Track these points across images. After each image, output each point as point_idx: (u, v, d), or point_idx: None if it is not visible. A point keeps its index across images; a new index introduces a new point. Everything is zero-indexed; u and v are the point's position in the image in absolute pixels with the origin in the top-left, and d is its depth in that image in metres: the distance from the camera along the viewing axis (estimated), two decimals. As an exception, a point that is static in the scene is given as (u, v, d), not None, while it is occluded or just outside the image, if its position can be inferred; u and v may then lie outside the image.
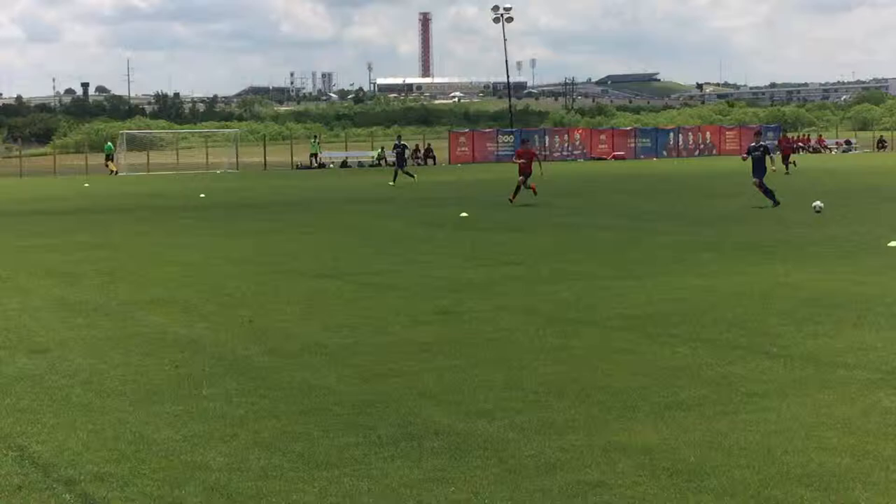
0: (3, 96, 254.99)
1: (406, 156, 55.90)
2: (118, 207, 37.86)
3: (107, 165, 79.99)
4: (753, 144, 32.43)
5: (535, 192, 35.45)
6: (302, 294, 15.37)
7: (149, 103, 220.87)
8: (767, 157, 31.79)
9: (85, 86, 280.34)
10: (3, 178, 72.44)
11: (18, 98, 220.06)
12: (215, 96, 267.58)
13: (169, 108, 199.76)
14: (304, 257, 20.40)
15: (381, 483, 6.83)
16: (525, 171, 35.27)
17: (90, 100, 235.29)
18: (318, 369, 10.26)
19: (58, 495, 6.72)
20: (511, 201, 34.53)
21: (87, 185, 58.54)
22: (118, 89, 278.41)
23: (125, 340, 11.92)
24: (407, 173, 52.39)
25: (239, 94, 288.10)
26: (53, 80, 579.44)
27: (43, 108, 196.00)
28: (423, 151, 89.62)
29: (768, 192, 30.96)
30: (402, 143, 56.68)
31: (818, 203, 29.04)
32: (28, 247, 23.37)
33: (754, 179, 31.62)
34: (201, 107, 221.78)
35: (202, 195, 43.94)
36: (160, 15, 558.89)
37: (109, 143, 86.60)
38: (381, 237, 24.58)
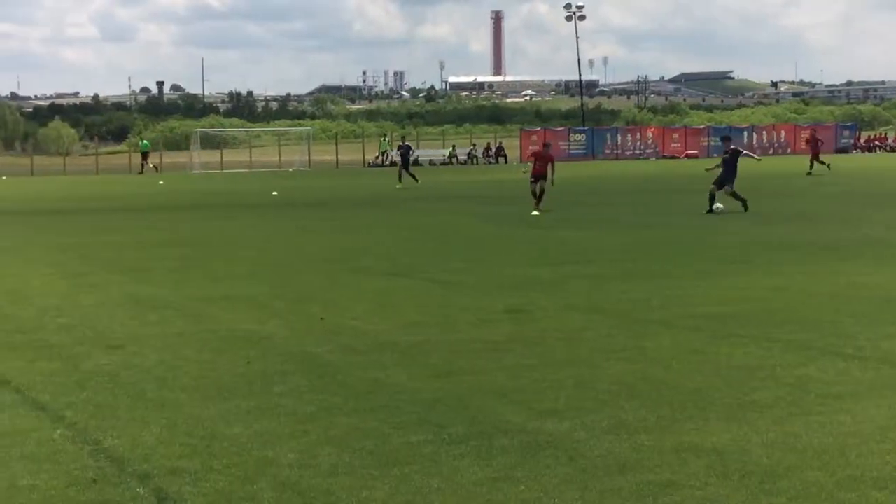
0: (81, 95, 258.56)
1: (410, 157, 54.47)
2: (191, 205, 38.23)
3: (142, 165, 78.89)
4: (726, 150, 31.38)
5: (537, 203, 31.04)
6: (372, 291, 15.42)
7: (222, 102, 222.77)
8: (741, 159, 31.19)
9: (160, 84, 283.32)
10: (80, 175, 73.51)
11: (95, 97, 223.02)
12: (288, 95, 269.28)
13: (242, 107, 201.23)
14: (375, 255, 20.46)
15: (451, 481, 6.84)
16: (538, 174, 31.74)
17: (165, 98, 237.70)
18: (389, 367, 10.29)
19: (132, 489, 6.80)
20: (538, 210, 30.47)
21: (161, 182, 59.20)
22: (193, 88, 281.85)
23: (198, 337, 12.04)
24: (412, 175, 50.58)
25: (311, 93, 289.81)
26: (129, 78, 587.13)
27: (119, 106, 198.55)
28: (494, 150, 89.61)
29: (739, 198, 29.79)
30: (407, 143, 56.21)
31: (719, 205, 29.13)
32: (103, 243, 23.66)
33: (726, 188, 30.15)
34: (274, 105, 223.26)
35: (274, 193, 44.24)
36: (234, 14, 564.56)
37: (146, 141, 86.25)
38: (451, 235, 24.59)
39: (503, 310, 13.53)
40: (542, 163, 32.10)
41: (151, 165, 79.20)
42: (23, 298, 15.20)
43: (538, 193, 31.28)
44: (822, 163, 52.74)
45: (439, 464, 7.20)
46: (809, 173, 51.23)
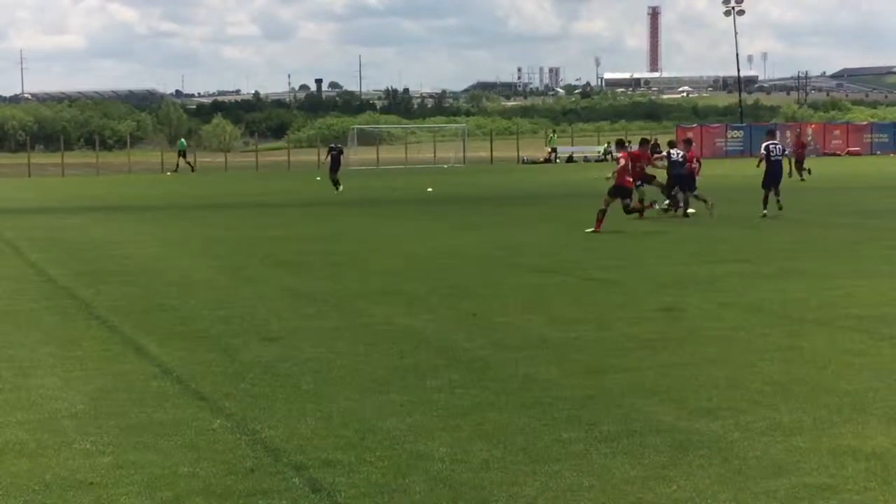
0: (242, 92, 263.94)
1: (341, 161, 48.76)
2: (347, 201, 38.72)
3: (178, 164, 76.61)
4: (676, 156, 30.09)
5: (641, 211, 27.29)
6: (526, 288, 15.43)
7: (379, 98, 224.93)
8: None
9: (318, 82, 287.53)
10: (240, 171, 75.05)
11: (256, 94, 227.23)
12: (444, 91, 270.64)
13: (398, 104, 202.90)
14: (528, 251, 20.46)
15: (602, 479, 6.82)
16: (641, 179, 28.25)
17: (323, 95, 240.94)
18: (541, 363, 10.29)
19: (287, 479, 6.93)
20: (644, 212, 27.37)
21: (318, 178, 60.11)
22: (350, 85, 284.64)
23: (352, 330, 12.20)
24: (334, 182, 45.73)
25: (467, 90, 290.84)
26: (289, 76, 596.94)
27: (279, 103, 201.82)
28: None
29: (678, 201, 29.32)
30: (339, 146, 51.12)
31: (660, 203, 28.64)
32: (263, 238, 24.13)
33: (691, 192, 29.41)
34: (430, 102, 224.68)
35: (429, 189, 44.56)
36: (390, 12, 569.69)
37: (183, 140, 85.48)
38: (604, 232, 24.42)
39: (657, 308, 13.41)
40: (642, 164, 28.55)
41: (187, 163, 76.91)
42: (186, 290, 15.60)
43: (640, 206, 27.23)
44: (804, 169, 48.69)
45: (590, 461, 7.18)
46: (802, 180, 47.32)
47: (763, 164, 28.36)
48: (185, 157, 78.42)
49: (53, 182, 63.96)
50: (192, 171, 75.09)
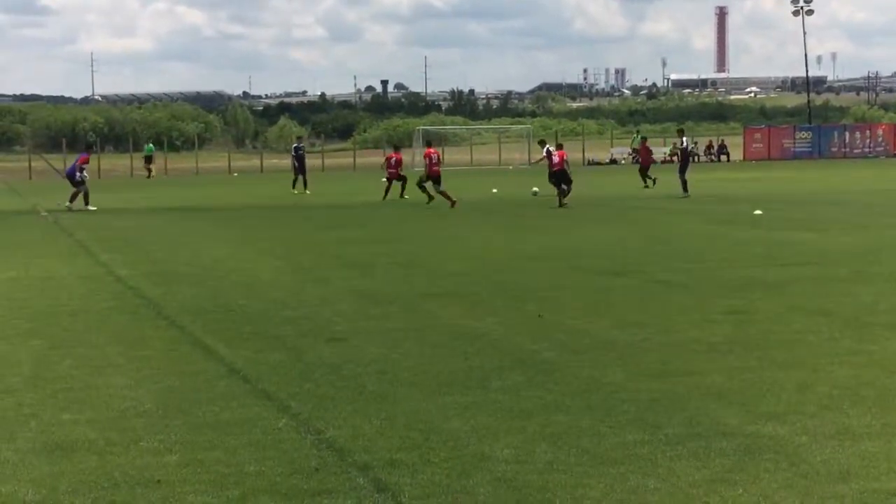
0: (308, 94, 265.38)
1: (305, 160, 49.39)
2: (412, 202, 38.79)
3: (148, 170, 73.74)
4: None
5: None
6: (591, 290, 15.38)
7: (444, 100, 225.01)
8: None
9: (384, 83, 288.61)
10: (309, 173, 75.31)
11: (322, 95, 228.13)
12: (509, 92, 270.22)
13: (464, 105, 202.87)
14: (593, 254, 20.39)
15: (668, 482, 6.79)
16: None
17: (389, 97, 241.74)
18: (606, 366, 10.25)
19: (352, 479, 6.97)
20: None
21: (383, 180, 60.28)
22: (415, 86, 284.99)
23: (417, 332, 12.23)
24: (298, 182, 47.38)
25: (532, 91, 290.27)
26: (355, 77, 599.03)
27: (345, 105, 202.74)
28: (716, 148, 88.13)
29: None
30: (302, 145, 51.95)
31: (535, 188, 32.58)
32: (327, 239, 24.25)
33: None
34: (495, 103, 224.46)
35: (494, 190, 44.53)
36: (455, 13, 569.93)
37: (150, 145, 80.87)
38: (671, 234, 24.32)
39: (723, 311, 13.31)
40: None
41: (153, 170, 74.37)
42: (253, 291, 15.72)
43: None
44: (648, 177, 46.60)
45: (655, 464, 7.14)
46: (646, 187, 45.47)
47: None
48: (150, 162, 75.02)
49: (121, 182, 64.68)
50: (148, 177, 71.36)
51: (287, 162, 62.31)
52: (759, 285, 15.52)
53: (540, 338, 11.72)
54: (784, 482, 6.73)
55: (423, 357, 10.80)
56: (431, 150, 38.32)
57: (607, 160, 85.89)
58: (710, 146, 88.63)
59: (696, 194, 37.72)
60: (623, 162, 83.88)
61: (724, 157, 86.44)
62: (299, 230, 27.08)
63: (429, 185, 36.31)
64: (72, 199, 36.12)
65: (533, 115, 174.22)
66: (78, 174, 36.50)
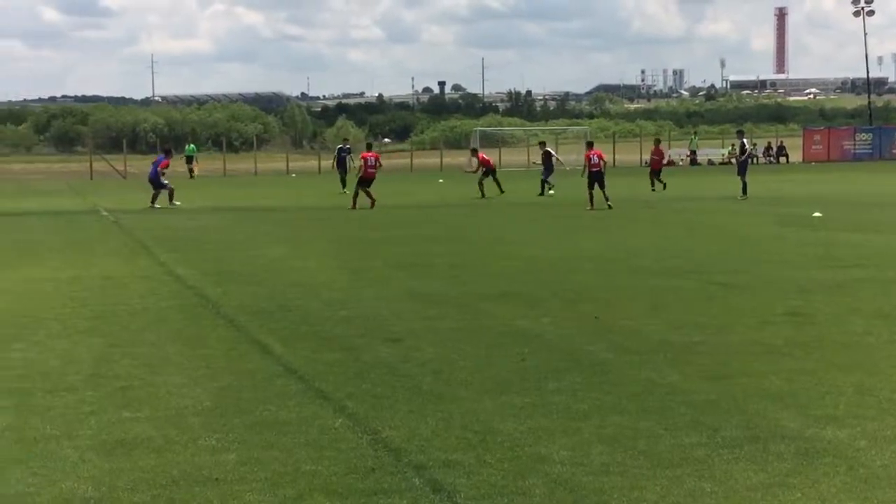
0: (366, 95, 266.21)
1: (348, 163, 49.14)
2: (468, 202, 38.82)
3: (188, 168, 71.52)
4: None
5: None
6: (647, 291, 15.31)
7: (501, 101, 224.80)
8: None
9: (441, 84, 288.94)
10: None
11: (380, 96, 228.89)
12: (566, 94, 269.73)
13: (521, 106, 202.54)
14: (650, 254, 20.29)
15: (725, 485, 6.74)
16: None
17: (446, 98, 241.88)
18: (663, 367, 10.21)
19: (408, 479, 6.98)
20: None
21: (441, 181, 60.40)
22: (473, 87, 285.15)
23: (474, 332, 12.23)
24: (343, 181, 47.78)
25: (589, 92, 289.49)
26: (412, 78, 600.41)
27: (402, 105, 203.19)
28: (775, 149, 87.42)
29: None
30: (347, 146, 52.02)
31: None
32: (383, 238, 24.30)
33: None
34: (552, 105, 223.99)
35: (551, 192, 44.44)
36: (513, 14, 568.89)
37: (191, 145, 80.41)
38: (730, 236, 24.16)
39: (782, 312, 13.21)
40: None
41: (195, 169, 72.09)
42: (310, 291, 15.79)
43: None
44: (659, 181, 45.79)
45: (712, 467, 7.10)
46: (653, 190, 44.81)
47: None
48: (191, 162, 72.93)
49: (179, 183, 65.17)
50: (191, 177, 68.82)
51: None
52: (819, 287, 15.38)
53: (596, 339, 11.69)
54: (843, 487, 6.67)
55: (478, 357, 10.80)
56: (370, 153, 38.93)
57: (665, 161, 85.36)
58: (769, 148, 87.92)
59: (754, 196, 37.44)
60: (681, 163, 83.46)
61: (783, 159, 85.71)
62: (355, 230, 27.16)
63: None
64: (153, 200, 36.83)
65: (590, 116, 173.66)
66: (162, 178, 37.65)
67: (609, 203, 33.10)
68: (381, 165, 38.64)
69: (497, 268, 18.46)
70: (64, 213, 36.24)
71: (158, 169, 37.74)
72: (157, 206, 36.62)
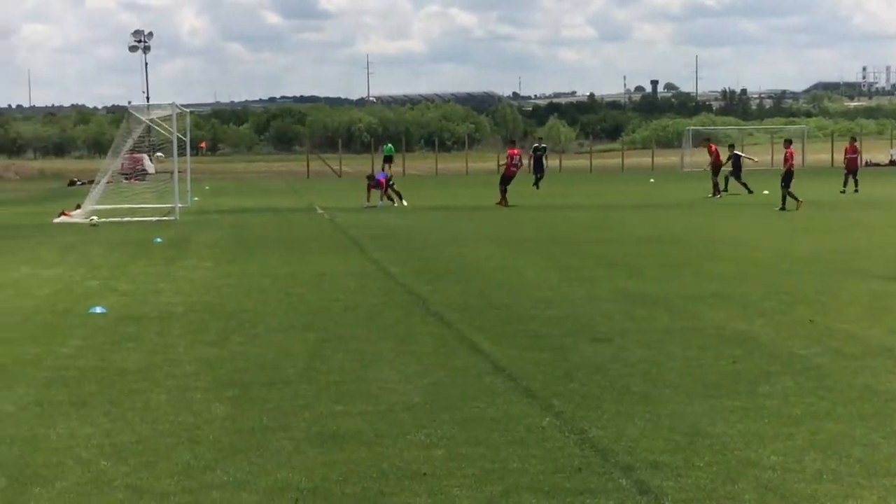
0: (577, 94, 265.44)
1: (545, 162, 49.12)
2: (683, 202, 38.36)
3: (383, 168, 66.98)
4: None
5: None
6: (867, 295, 14.85)
7: (715, 100, 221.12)
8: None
9: (654, 83, 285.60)
10: (574, 173, 75.44)
11: (591, 95, 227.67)
12: (783, 92, 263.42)
13: (735, 105, 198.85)
14: (870, 256, 19.63)
15: (945, 497, 6.50)
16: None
17: (658, 97, 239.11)
18: (882, 373, 9.89)
19: (614, 480, 6.95)
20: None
21: (652, 180, 59.84)
22: (686, 86, 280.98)
23: (684, 333, 12.09)
24: (537, 181, 47.46)
25: (807, 90, 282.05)
26: (624, 77, 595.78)
27: (614, 105, 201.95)
28: None
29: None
30: (543, 145, 51.40)
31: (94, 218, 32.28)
32: (592, 238, 24.17)
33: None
34: (768, 103, 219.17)
35: (765, 192, 43.52)
36: (728, 11, 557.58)
37: (389, 145, 78.42)
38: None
39: None
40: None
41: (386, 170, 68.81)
42: (518, 290, 15.85)
43: None
44: (854, 181, 43.73)
45: (933, 478, 6.85)
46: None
47: None
48: (390, 162, 70.57)
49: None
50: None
51: (553, 163, 62.70)
52: None
53: (811, 343, 11.40)
54: None
55: (688, 359, 10.67)
56: (515, 150, 39.72)
57: (886, 161, 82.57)
58: None
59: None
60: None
61: None
62: (562, 230, 27.12)
63: None
64: (381, 199, 37.53)
65: (808, 115, 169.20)
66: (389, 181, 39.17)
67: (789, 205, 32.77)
68: (522, 165, 39.51)
69: (708, 269, 18.19)
70: (282, 210, 37.29)
71: (386, 174, 39.70)
72: (383, 204, 37.08)
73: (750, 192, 42.10)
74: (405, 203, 37.69)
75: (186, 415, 8.79)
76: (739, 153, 45.11)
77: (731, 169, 43.92)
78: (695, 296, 15.00)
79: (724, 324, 12.72)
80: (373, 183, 38.21)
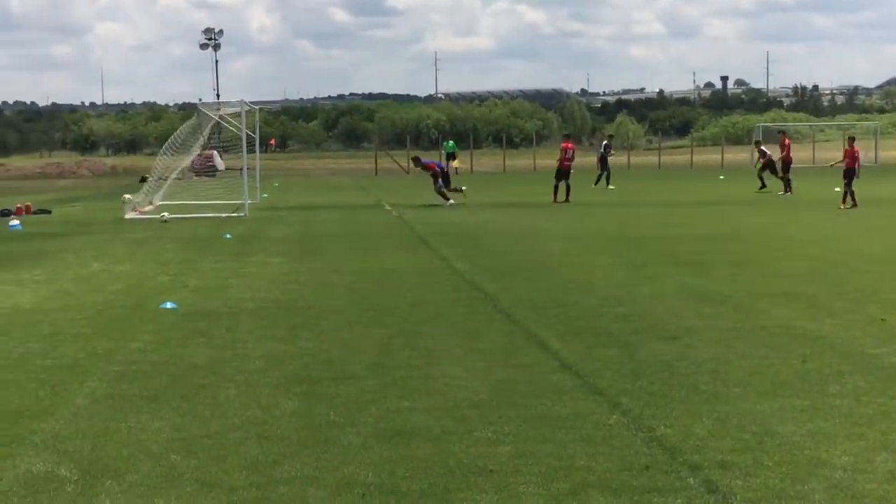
0: (646, 91, 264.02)
1: (608, 157, 49.25)
2: (746, 200, 38.06)
3: (455, 169, 65.59)
4: None
5: None
6: (939, 294, 14.65)
7: (787, 96, 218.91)
8: None
9: (724, 79, 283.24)
10: (642, 169, 75.04)
11: (660, 92, 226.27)
12: (856, 88, 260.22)
13: (806, 101, 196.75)
14: (944, 256, 19.36)
15: None
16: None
17: (728, 93, 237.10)
18: (954, 374, 9.76)
19: (682, 479, 6.92)
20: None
21: (721, 177, 59.40)
22: (757, 82, 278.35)
23: (752, 332, 11.99)
24: (606, 177, 47.76)
25: (881, 86, 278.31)
26: (694, 74, 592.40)
27: (683, 101, 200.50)
28: None
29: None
30: (608, 143, 51.19)
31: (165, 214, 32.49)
32: (662, 236, 24.06)
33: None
34: (840, 99, 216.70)
35: (837, 189, 43.03)
36: (800, 6, 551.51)
37: (450, 142, 77.28)
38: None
39: None
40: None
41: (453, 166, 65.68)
42: (586, 287, 15.81)
43: None
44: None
45: None
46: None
47: None
48: (451, 159, 68.81)
49: (455, 179, 66.23)
50: (455, 173, 63.69)
51: (622, 160, 62.38)
52: None
53: (883, 342, 11.27)
54: None
55: (757, 358, 10.59)
56: (569, 144, 39.85)
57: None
58: None
59: None
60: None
61: None
62: (630, 227, 27.00)
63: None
64: (444, 197, 37.51)
65: (881, 111, 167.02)
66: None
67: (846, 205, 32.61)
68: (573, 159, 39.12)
69: (777, 267, 18.02)
70: (350, 207, 37.47)
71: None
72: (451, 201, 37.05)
73: (763, 186, 42.69)
74: (452, 201, 36.73)
75: (255, 410, 8.87)
76: (765, 150, 44.95)
77: (760, 164, 44.11)
78: (763, 294, 14.87)
79: (793, 322, 12.60)
80: (419, 165, 38.45)
